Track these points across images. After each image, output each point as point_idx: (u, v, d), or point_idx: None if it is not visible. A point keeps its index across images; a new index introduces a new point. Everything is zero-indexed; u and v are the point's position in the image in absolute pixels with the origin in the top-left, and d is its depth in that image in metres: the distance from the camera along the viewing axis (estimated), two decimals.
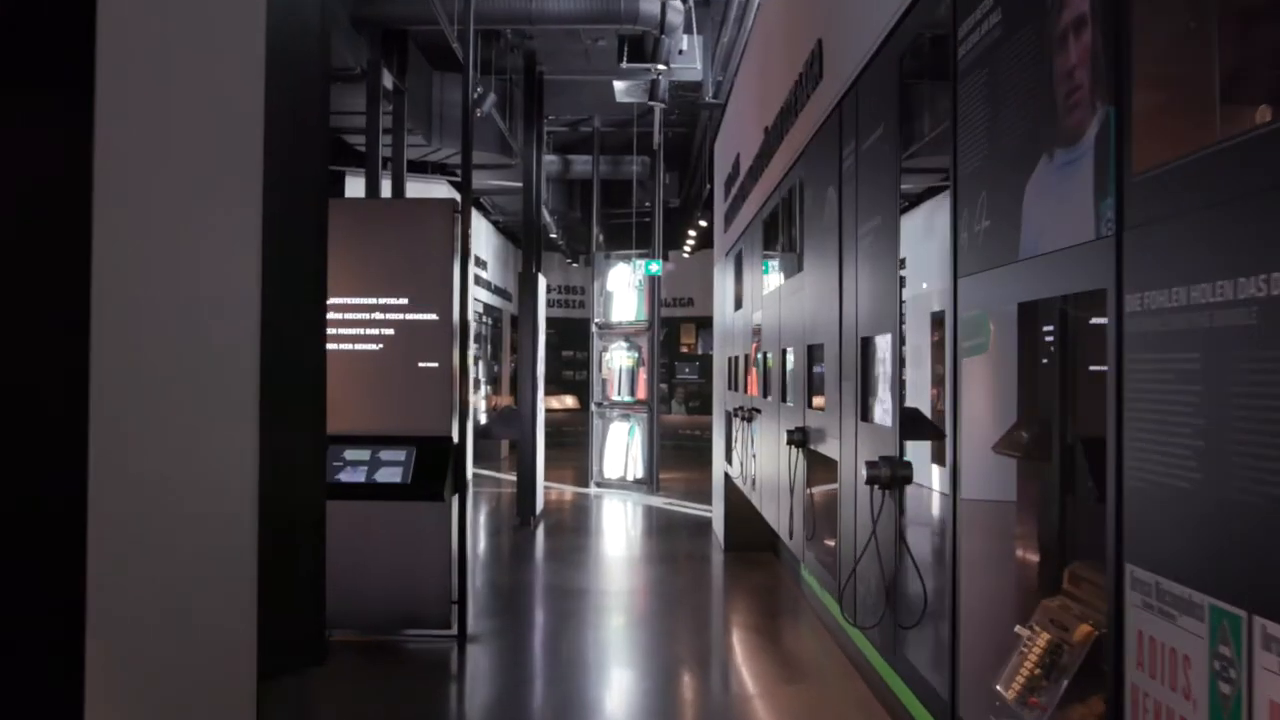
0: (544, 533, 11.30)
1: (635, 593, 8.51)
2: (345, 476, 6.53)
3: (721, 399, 10.59)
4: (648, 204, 16.05)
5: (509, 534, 11.32)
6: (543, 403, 12.54)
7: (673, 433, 20.43)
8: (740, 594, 8.42)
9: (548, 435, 21.57)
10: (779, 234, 6.54)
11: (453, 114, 12.09)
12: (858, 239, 4.06)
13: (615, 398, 15.10)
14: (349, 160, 13.33)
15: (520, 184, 12.84)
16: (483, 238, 16.89)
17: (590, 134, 15.62)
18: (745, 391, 8.48)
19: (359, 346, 6.84)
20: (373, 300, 6.83)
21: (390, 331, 6.83)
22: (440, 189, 13.77)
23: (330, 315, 6.87)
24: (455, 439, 6.81)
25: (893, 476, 3.44)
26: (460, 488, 6.85)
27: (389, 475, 6.54)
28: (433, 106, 12.00)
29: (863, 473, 3.66)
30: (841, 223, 4.41)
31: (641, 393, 14.96)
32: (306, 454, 2.89)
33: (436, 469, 6.55)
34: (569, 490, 14.77)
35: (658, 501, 13.54)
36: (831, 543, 5.13)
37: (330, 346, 6.97)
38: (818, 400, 5.03)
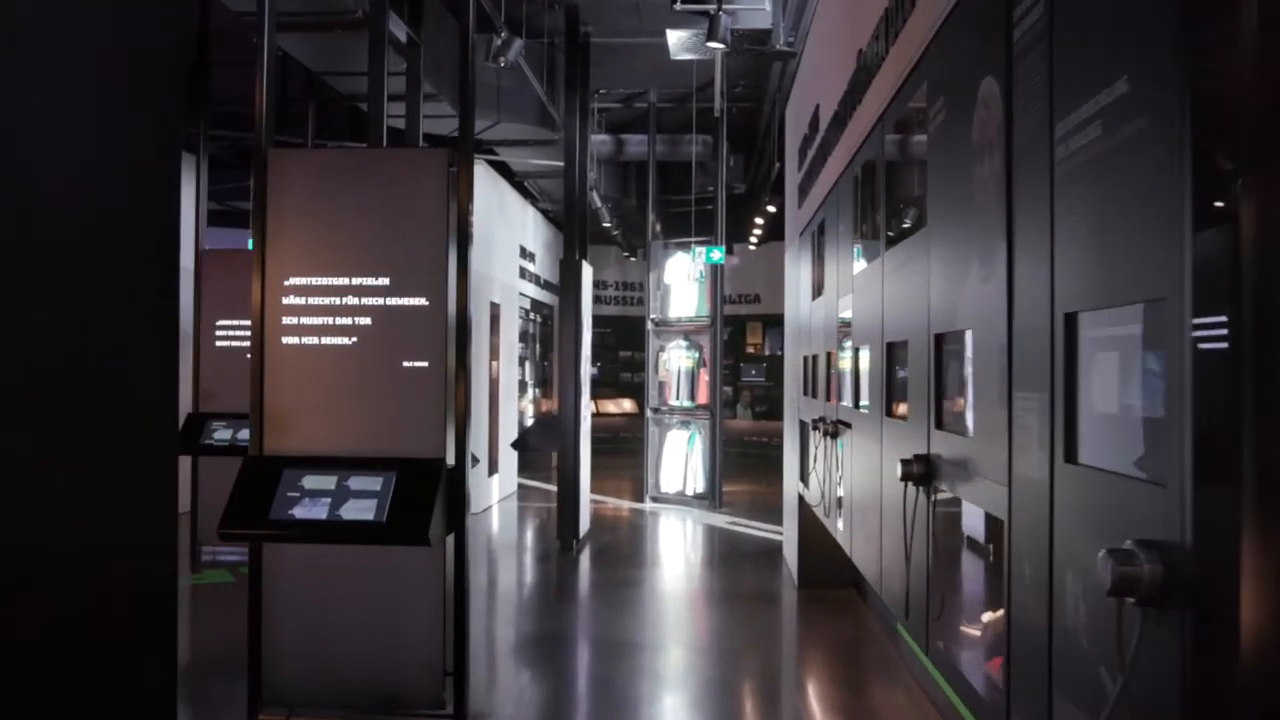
0: (588, 560, 9.59)
1: (690, 648, 6.75)
2: (301, 512, 4.86)
3: (794, 406, 8.80)
4: (710, 188, 14.29)
5: (547, 562, 9.62)
6: (588, 409, 10.83)
7: (737, 440, 18.62)
8: (820, 653, 6.63)
9: (604, 442, 19.94)
10: (880, 187, 4.79)
11: (485, 79, 10.43)
12: (1053, 149, 2.33)
13: (673, 402, 13.35)
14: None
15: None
16: (530, 228, 15.26)
17: (645, 110, 13.91)
18: (827, 399, 6.71)
19: (325, 340, 5.18)
20: (343, 280, 5.17)
21: (366, 321, 5.16)
22: (475, 169, 12.10)
23: (288, 300, 5.22)
24: (450, 461, 5.13)
25: (1169, 582, 1.69)
26: (457, 524, 5.16)
27: (359, 510, 4.86)
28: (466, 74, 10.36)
29: (1095, 566, 1.92)
30: (1011, 132, 2.67)
31: (703, 397, 13.19)
32: (145, 488, 2.27)
33: (422, 501, 4.86)
34: (621, 506, 13.05)
35: (720, 520, 11.76)
36: (975, 630, 3.37)
37: (288, 340, 5.32)
38: (960, 415, 3.29)
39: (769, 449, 18.82)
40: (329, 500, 4.93)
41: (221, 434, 8.95)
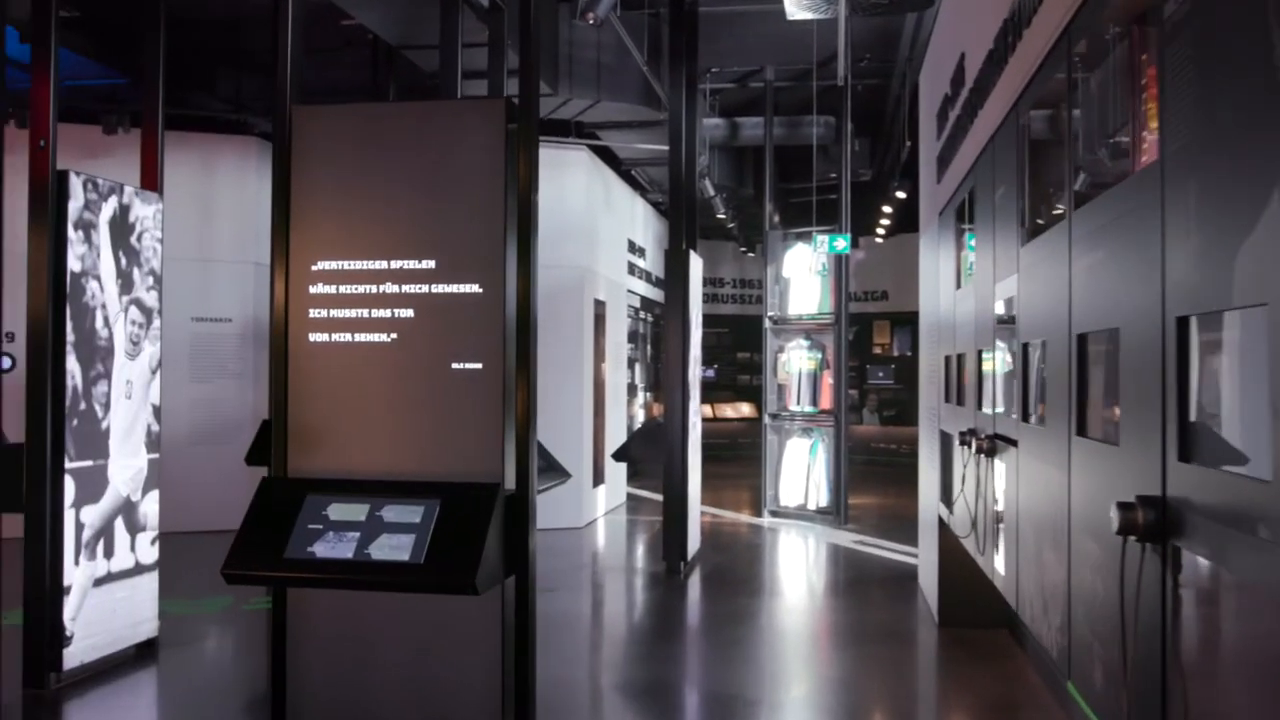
0: (696, 586, 8.50)
1: (812, 708, 5.61)
2: (324, 549, 3.89)
3: (932, 413, 7.57)
4: (833, 175, 13.07)
5: (649, 588, 8.56)
6: (698, 414, 9.74)
7: (864, 447, 17.29)
8: (970, 716, 5.42)
9: (721, 449, 18.83)
10: (1066, 127, 3.61)
11: (585, 55, 9.44)
12: None
13: (793, 407, 12.17)
14: None
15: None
16: (639, 220, 14.25)
17: (761, 90, 12.76)
18: (979, 407, 5.50)
19: (359, 337, 4.22)
20: (380, 264, 4.20)
21: (408, 313, 4.18)
22: (576, 155, 11.17)
23: (315, 289, 4.27)
24: (511, 485, 4.11)
25: None
26: (518, 563, 4.13)
27: (392, 548, 3.86)
28: (559, 46, 9.39)
29: None
30: None
31: (826, 401, 11.98)
32: None
33: (470, 536, 3.85)
34: (737, 521, 11.92)
35: (846, 539, 10.54)
36: None
37: (316, 338, 4.37)
38: (1230, 440, 2.12)
39: (898, 457, 17.44)
40: (357, 535, 3.95)
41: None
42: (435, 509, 3.96)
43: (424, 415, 4.13)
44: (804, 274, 12.28)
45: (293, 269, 4.26)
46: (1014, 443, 4.50)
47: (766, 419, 12.22)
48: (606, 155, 12.38)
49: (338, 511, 4.03)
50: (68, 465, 5.62)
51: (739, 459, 17.39)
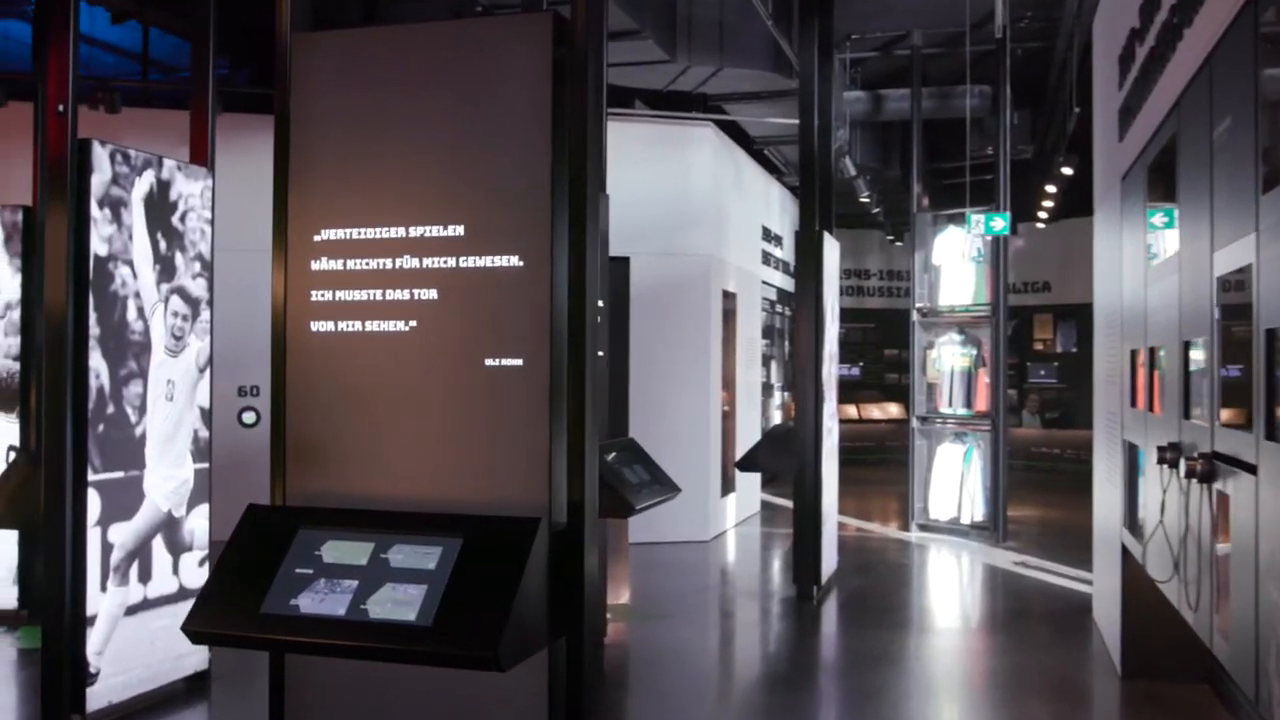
0: (832, 615, 7.35)
1: None
2: (310, 603, 2.96)
3: (1110, 419, 6.26)
4: (989, 150, 11.68)
5: (775, 618, 7.46)
6: (834, 417, 8.58)
7: (1023, 452, 15.70)
8: None
9: (867, 452, 17.43)
10: None
11: (704, 14, 8.37)
12: None
13: (945, 409, 10.83)
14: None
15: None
16: (775, 205, 13.09)
17: (907, 59, 11.46)
18: (1184, 415, 4.24)
19: (370, 326, 3.28)
20: (397, 231, 3.25)
21: (430, 294, 3.22)
22: (701, 131, 10.11)
23: (319, 264, 3.35)
24: (562, 517, 3.11)
25: None
26: (569, 623, 3.13)
27: (395, 605, 2.90)
28: (676, 6, 8.35)
29: None
30: None
31: (981, 403, 10.61)
32: None
33: (497, 589, 2.87)
34: (881, 535, 10.67)
35: (1004, 559, 9.19)
36: None
37: (319, 326, 3.44)
38: None
39: (1062, 463, 15.81)
40: (355, 585, 3.00)
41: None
42: (455, 551, 2.99)
43: (448, 426, 3.17)
44: (956, 261, 10.93)
45: (292, 241, 3.36)
46: (1249, 467, 3.27)
47: (914, 422, 10.93)
48: (736, 133, 11.28)
49: (334, 552, 3.08)
50: (91, 478, 4.88)
51: (886, 464, 16.05)
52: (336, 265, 3.29)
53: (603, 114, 3.25)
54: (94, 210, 4.90)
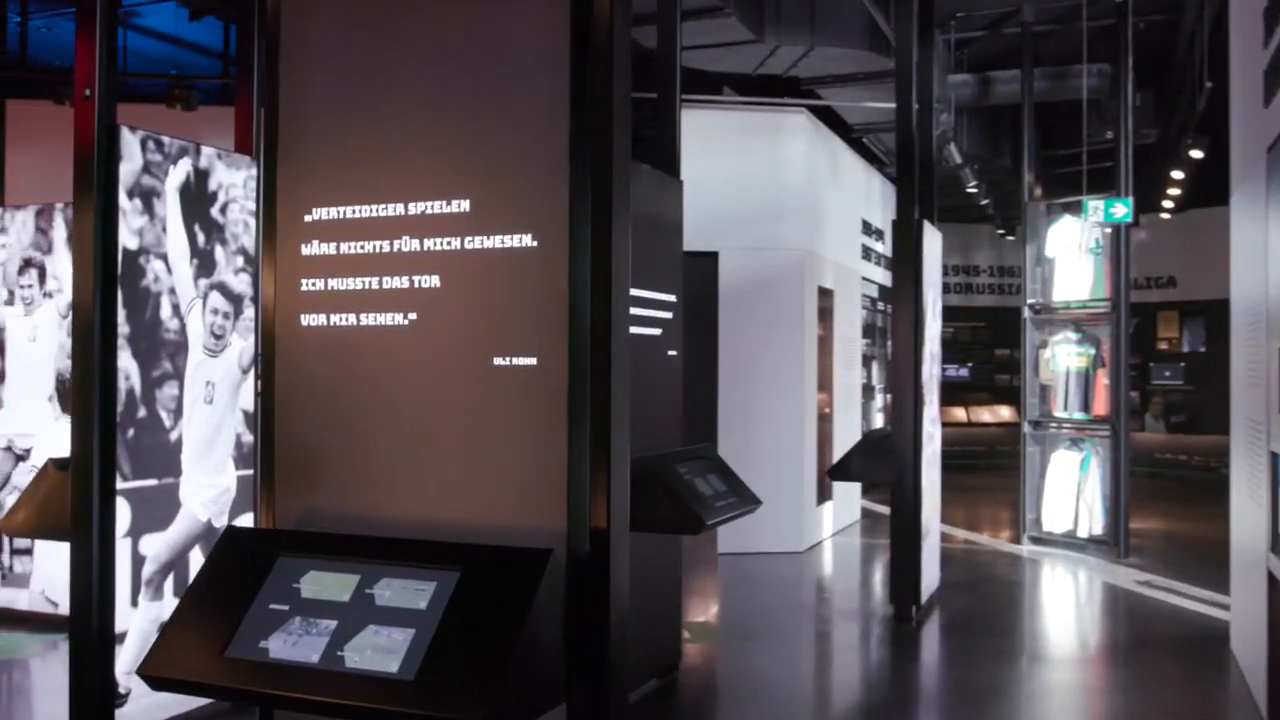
0: (932, 639, 6.67)
1: None
2: (280, 647, 2.49)
3: (1254, 427, 5.47)
4: (1108, 134, 10.80)
5: (870, 641, 6.80)
6: (935, 422, 7.88)
7: (1146, 458, 14.62)
8: None
9: (977, 457, 16.48)
10: None
11: None
12: None
13: (1059, 413, 9.99)
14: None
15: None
16: (876, 198, 12.35)
17: (1018, 37, 10.63)
18: None
19: (365, 320, 2.81)
20: (394, 208, 2.78)
21: (432, 281, 2.73)
22: (793, 118, 9.48)
23: (309, 249, 2.88)
24: (586, 547, 2.59)
25: None
26: (589, 677, 2.60)
27: (375, 652, 2.42)
28: None
29: None
30: None
31: (1100, 406, 9.74)
32: None
33: (496, 633, 2.36)
34: (990, 549, 9.89)
35: (1127, 577, 8.35)
36: None
37: (310, 320, 2.98)
38: None
39: (1189, 470, 14.70)
40: (334, 625, 2.53)
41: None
42: (451, 587, 2.49)
43: (451, 436, 2.68)
44: (1072, 253, 10.08)
45: (281, 223, 2.91)
46: None
47: (1026, 426, 10.11)
48: (832, 119, 10.61)
49: (314, 585, 2.61)
50: (120, 486, 4.53)
51: (996, 470, 15.14)
52: (329, 249, 2.83)
53: (628, 69, 2.68)
54: (123, 201, 4.56)
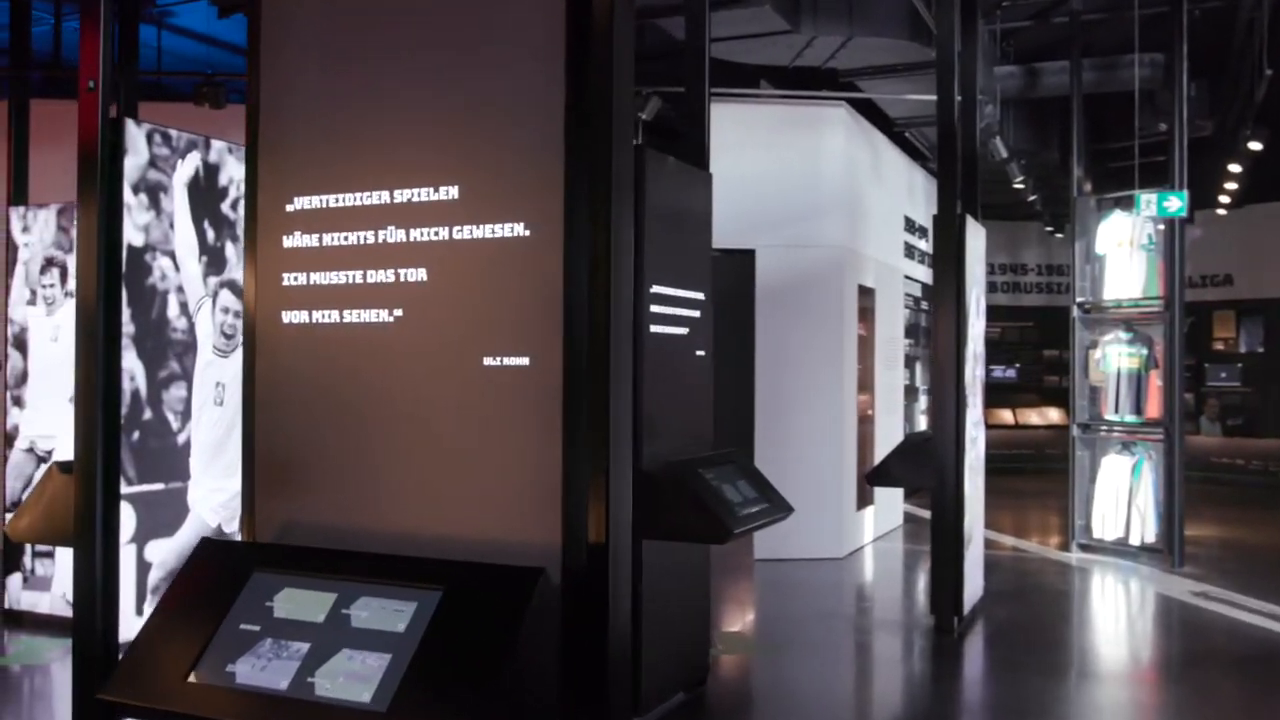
0: (975, 653, 6.39)
1: None
2: (248, 671, 2.31)
3: None
4: (1161, 126, 10.41)
5: (908, 654, 6.52)
6: (979, 425, 7.57)
7: (1201, 462, 14.14)
8: None
9: (1025, 460, 16.02)
10: None
11: None
12: None
13: (1110, 415, 9.62)
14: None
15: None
16: (920, 195, 12.01)
17: (1066, 27, 10.27)
18: None
19: (349, 317, 2.62)
20: (379, 196, 2.58)
21: (418, 275, 2.53)
22: (832, 112, 9.20)
23: (291, 240, 2.70)
24: (583, 564, 2.36)
25: None
26: (588, 709, 2.38)
27: (348, 679, 2.22)
28: None
29: None
30: None
31: (1153, 409, 9.36)
32: None
33: (478, 660, 2.15)
34: (1038, 556, 9.54)
35: (1181, 588, 7.99)
36: None
37: (292, 317, 2.79)
38: None
39: (1247, 475, 14.21)
40: (306, 648, 2.34)
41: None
42: (432, 608, 2.28)
43: (439, 443, 2.48)
44: (1124, 250, 9.70)
45: (262, 213, 2.72)
46: None
47: (1075, 429, 9.75)
48: (873, 113, 10.31)
49: (289, 603, 2.42)
50: (124, 490, 4.39)
51: (1045, 473, 14.71)
52: (311, 241, 2.64)
53: (629, 49, 2.45)
54: (128, 196, 4.42)
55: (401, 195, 2.54)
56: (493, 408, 2.43)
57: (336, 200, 2.61)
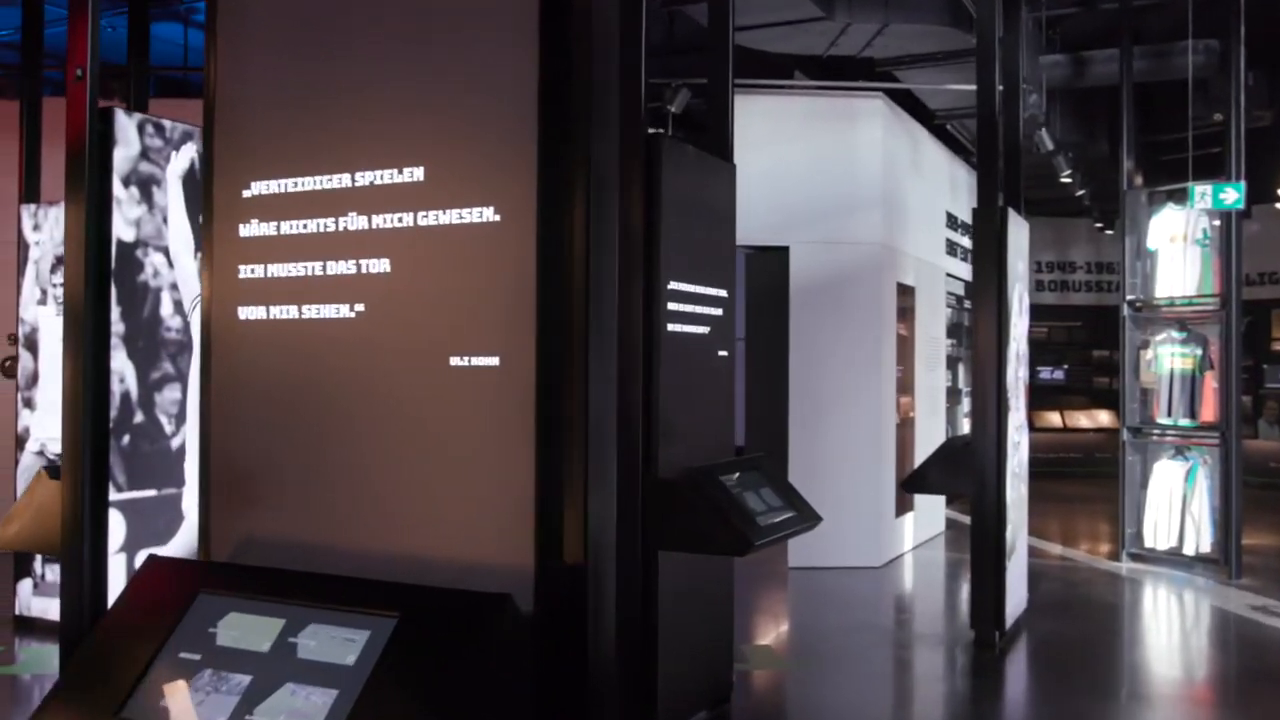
0: (1018, 671, 6.06)
1: None
2: (181, 709, 2.08)
3: None
4: (1216, 117, 9.98)
5: (946, 672, 6.20)
6: (1022, 429, 7.23)
7: (1260, 467, 13.63)
8: None
9: (1074, 464, 15.54)
10: None
11: None
12: None
13: (1162, 419, 9.22)
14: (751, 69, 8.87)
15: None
16: (962, 189, 11.62)
17: (1116, 13, 9.86)
18: None
19: (308, 312, 2.39)
20: (340, 179, 2.35)
21: (380, 266, 2.30)
22: (869, 104, 8.89)
23: (248, 229, 2.47)
24: (560, 588, 2.11)
25: None
26: None
27: (291, 718, 1.99)
28: None
29: None
30: None
31: (1208, 412, 8.94)
32: None
33: (432, 698, 1.91)
34: (1086, 565, 9.16)
35: (1239, 601, 7.59)
36: None
37: (248, 313, 2.57)
38: None
39: None
40: (248, 681, 2.11)
41: None
42: (385, 637, 2.04)
43: (401, 451, 2.25)
44: (1176, 245, 9.29)
45: (218, 199, 2.50)
46: None
47: (1125, 434, 9.35)
48: (912, 105, 9.97)
49: (232, 630, 2.19)
50: (114, 496, 4.21)
51: (1095, 477, 14.25)
52: (269, 229, 2.41)
53: (623, 19, 2.19)
54: (118, 189, 4.23)
55: (363, 178, 2.30)
56: (460, 413, 2.18)
57: (295, 184, 2.38)
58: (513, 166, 2.14)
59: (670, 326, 4.75)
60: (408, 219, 2.25)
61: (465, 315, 2.18)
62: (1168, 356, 9.24)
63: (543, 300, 2.10)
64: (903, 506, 9.51)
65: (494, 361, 2.15)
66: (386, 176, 2.28)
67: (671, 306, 4.73)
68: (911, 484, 7.11)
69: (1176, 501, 8.86)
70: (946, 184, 11.24)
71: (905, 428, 9.77)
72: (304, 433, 2.36)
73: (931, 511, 10.41)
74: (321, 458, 2.33)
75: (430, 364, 2.21)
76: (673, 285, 4.77)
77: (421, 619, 2.02)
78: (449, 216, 2.20)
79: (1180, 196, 9.02)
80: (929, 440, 10.15)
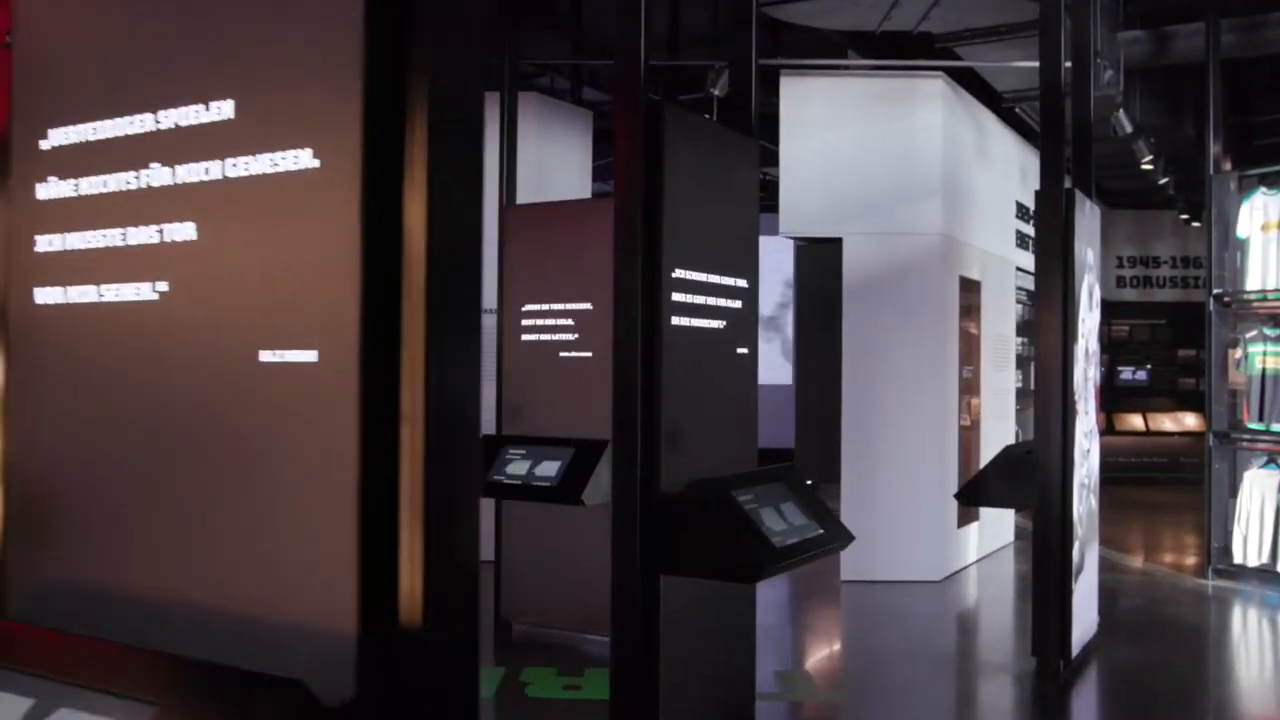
0: (1086, 706, 5.32)
1: None
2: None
3: None
4: None
5: (1001, 704, 5.48)
6: (1092, 435, 6.45)
7: None
8: None
9: (1157, 469, 14.41)
10: None
11: None
12: None
13: (1252, 423, 8.31)
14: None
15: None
16: (1033, 178, 10.80)
17: None
18: None
19: (107, 294, 1.84)
20: (139, 121, 1.78)
21: (186, 231, 1.73)
22: (929, 85, 8.14)
23: (45, 188, 1.93)
24: (393, 657, 1.55)
25: None
26: None
27: None
28: None
29: None
30: None
31: None
32: None
33: None
34: (1167, 582, 8.29)
35: None
36: None
37: (45, 296, 1.98)
38: None
39: None
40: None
41: (515, 467, 5.88)
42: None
43: (202, 475, 1.70)
44: (1269, 234, 8.38)
45: (15, 153, 1.98)
46: None
47: (1211, 439, 8.46)
48: (977, 85, 9.18)
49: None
50: None
51: (1179, 484, 13.22)
52: (68, 190, 1.87)
53: None
54: None
55: (167, 118, 1.76)
56: (272, 422, 1.61)
57: (94, 131, 1.85)
58: (337, 98, 1.57)
59: (675, 320, 4.16)
60: (215, 170, 1.70)
61: (278, 297, 1.61)
62: (1258, 355, 8.33)
63: (367, 277, 1.52)
64: (966, 516, 8.74)
65: (310, 357, 1.57)
66: (192, 116, 1.74)
67: (676, 297, 4.15)
68: (967, 495, 6.37)
69: (1270, 514, 7.95)
70: (1017, 172, 10.42)
71: (969, 432, 9.01)
72: (99, 449, 1.82)
73: (999, 521, 9.60)
74: (120, 483, 1.79)
75: (237, 360, 1.65)
76: (678, 273, 4.19)
77: (182, 711, 1.45)
78: (261, 164, 1.64)
79: (1273, 180, 8.12)
80: (995, 445, 9.32)
